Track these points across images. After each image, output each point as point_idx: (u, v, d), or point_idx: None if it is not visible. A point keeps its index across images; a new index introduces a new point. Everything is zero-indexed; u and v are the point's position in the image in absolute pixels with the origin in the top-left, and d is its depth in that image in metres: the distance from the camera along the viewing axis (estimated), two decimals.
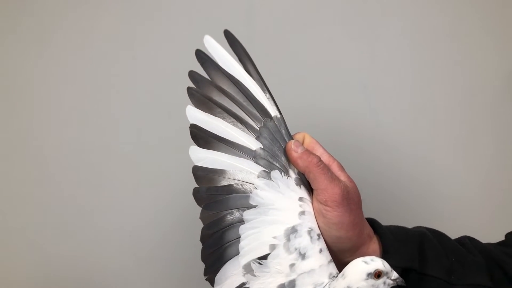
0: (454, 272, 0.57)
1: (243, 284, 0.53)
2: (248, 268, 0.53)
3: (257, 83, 0.57)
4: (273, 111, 0.56)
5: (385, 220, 0.61)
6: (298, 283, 0.52)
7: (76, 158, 0.85)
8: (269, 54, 0.84)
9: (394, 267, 0.55)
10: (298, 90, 0.86)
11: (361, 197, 0.56)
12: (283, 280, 0.52)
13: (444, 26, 0.87)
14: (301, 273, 0.52)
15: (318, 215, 0.54)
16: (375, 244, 0.57)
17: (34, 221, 0.85)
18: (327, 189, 0.53)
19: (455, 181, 0.89)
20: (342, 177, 0.56)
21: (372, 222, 0.59)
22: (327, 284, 0.52)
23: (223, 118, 0.55)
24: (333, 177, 0.54)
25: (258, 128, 0.56)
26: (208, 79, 0.56)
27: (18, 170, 0.85)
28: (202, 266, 0.55)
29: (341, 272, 0.51)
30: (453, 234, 0.63)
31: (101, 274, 0.86)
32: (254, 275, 0.53)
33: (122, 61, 0.84)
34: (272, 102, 0.57)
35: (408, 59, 0.87)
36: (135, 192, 0.86)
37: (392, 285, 0.51)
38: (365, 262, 0.50)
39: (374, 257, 0.50)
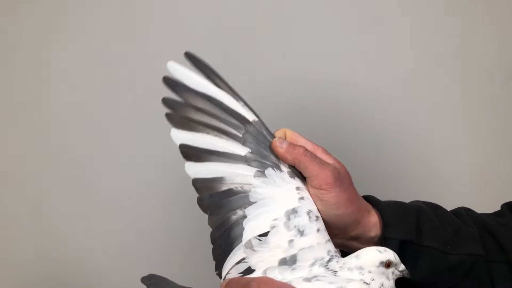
0: (449, 243, 0.61)
1: (243, 259, 0.56)
2: (248, 245, 0.56)
3: (228, 94, 0.60)
4: (250, 116, 0.59)
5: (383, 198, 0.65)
6: (299, 258, 0.55)
7: (76, 138, 0.87)
8: (270, 34, 0.88)
9: (393, 239, 0.59)
10: (295, 63, 0.90)
11: (361, 175, 0.60)
12: (284, 254, 0.55)
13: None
14: (301, 249, 0.55)
15: (315, 199, 0.58)
16: (374, 217, 0.61)
17: (33, 200, 0.87)
18: (319, 174, 0.57)
19: (454, 162, 0.93)
20: (330, 160, 0.59)
21: (369, 198, 0.63)
22: (335, 258, 0.54)
23: (207, 133, 0.58)
24: (322, 162, 0.58)
25: (241, 135, 0.59)
26: (182, 102, 0.59)
27: (19, 149, 0.87)
28: (205, 242, 0.58)
29: (355, 253, 0.54)
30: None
31: (102, 252, 0.88)
32: (253, 250, 0.56)
33: (123, 55, 0.87)
34: (247, 108, 0.60)
35: (410, 38, 0.91)
36: (136, 168, 0.89)
37: (398, 276, 0.55)
38: (379, 252, 0.54)
39: (386, 248, 0.54)
